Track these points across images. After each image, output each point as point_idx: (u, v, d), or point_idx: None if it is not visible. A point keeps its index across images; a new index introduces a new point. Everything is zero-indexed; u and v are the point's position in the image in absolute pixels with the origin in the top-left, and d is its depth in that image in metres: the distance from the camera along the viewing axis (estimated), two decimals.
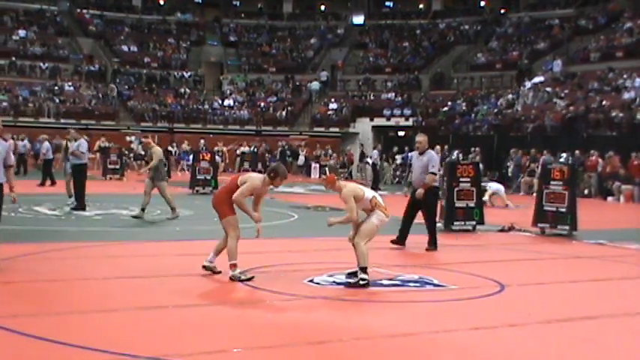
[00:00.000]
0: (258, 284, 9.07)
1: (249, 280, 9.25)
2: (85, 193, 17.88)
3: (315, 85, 51.15)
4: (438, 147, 26.57)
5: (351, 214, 9.36)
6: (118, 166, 32.53)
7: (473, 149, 31.71)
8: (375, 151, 34.31)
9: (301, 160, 42.73)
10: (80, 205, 17.61)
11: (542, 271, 11.30)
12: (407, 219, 13.00)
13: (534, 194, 18.58)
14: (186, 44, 55.62)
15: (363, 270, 9.13)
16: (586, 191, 27.11)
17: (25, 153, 34.54)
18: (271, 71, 53.67)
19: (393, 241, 12.80)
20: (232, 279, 9.26)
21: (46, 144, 27.69)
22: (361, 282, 9.08)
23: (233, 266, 9.34)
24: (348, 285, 9.14)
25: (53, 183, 25.92)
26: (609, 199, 26.41)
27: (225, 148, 39.77)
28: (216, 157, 29.53)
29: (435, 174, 13.00)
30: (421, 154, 13.17)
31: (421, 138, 13.52)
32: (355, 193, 9.45)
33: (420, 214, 13.06)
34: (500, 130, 36.42)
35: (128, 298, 8.25)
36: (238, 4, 62.43)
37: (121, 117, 47.31)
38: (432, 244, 12.73)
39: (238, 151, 39.75)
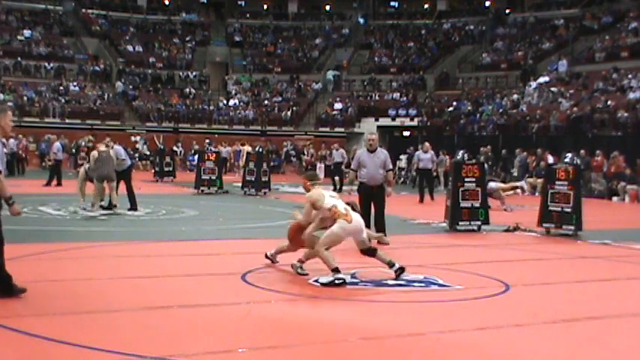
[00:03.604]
0: (262, 284, 9.07)
1: (341, 284, 9.12)
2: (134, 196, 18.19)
3: (329, 75, 51.43)
4: (427, 144, 25.73)
5: (303, 217, 9.86)
6: None
7: (483, 149, 31.70)
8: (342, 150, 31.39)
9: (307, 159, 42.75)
10: (133, 206, 17.93)
11: (548, 271, 11.29)
12: (365, 215, 12.89)
13: (537, 194, 18.59)
14: (191, 44, 55.71)
15: (335, 271, 9.08)
16: (596, 191, 27.07)
17: (17, 152, 33.95)
18: (276, 71, 53.77)
19: None
20: (325, 284, 9.17)
21: (57, 144, 27.65)
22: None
23: (334, 271, 9.23)
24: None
25: (59, 184, 25.96)
26: (614, 199, 26.37)
27: (230, 149, 39.81)
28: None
29: (392, 170, 13.75)
30: (373, 152, 13.18)
31: (374, 136, 13.63)
32: (315, 200, 9.60)
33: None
34: (505, 130, 36.40)
35: (133, 298, 8.25)
36: (243, 4, 62.48)
37: (126, 117, 47.40)
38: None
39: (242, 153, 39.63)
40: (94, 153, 17.74)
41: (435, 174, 32.33)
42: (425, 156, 24.72)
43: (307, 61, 55.00)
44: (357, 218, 9.45)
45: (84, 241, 12.78)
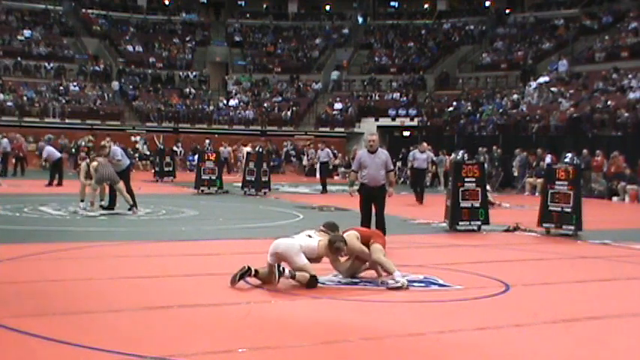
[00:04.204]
0: (262, 284, 9.06)
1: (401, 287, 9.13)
2: (133, 195, 18.18)
3: (334, 76, 51.62)
4: (424, 144, 25.09)
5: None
6: None
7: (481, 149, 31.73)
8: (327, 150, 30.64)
9: (306, 160, 42.73)
10: (133, 204, 17.93)
11: (548, 271, 11.28)
12: (367, 216, 12.92)
13: (537, 194, 18.57)
14: (191, 44, 55.72)
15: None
16: (596, 192, 27.06)
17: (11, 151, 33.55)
18: (276, 71, 53.78)
19: None
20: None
21: (47, 148, 27.55)
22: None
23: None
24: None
25: (60, 183, 25.94)
26: (614, 199, 26.37)
27: (230, 149, 39.82)
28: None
29: (393, 170, 13.63)
30: (373, 152, 13.20)
31: (374, 137, 13.59)
32: None
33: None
34: (505, 130, 36.40)
35: (133, 298, 8.25)
36: (243, 4, 62.51)
37: (126, 117, 47.40)
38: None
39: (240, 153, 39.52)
40: (94, 164, 17.93)
41: (429, 174, 32.47)
42: (421, 156, 23.76)
43: (307, 61, 55.01)
44: (274, 242, 9.24)
45: (84, 241, 12.77)
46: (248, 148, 35.54)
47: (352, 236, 9.56)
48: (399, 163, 35.41)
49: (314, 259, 9.23)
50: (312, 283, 8.89)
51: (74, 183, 23.97)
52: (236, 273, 8.95)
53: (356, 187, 13.53)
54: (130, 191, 18.11)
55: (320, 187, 27.16)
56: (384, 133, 45.66)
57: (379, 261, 9.49)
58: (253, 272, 9.04)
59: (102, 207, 17.90)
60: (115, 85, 49.51)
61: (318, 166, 39.59)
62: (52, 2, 55.11)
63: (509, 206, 21.34)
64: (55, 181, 26.07)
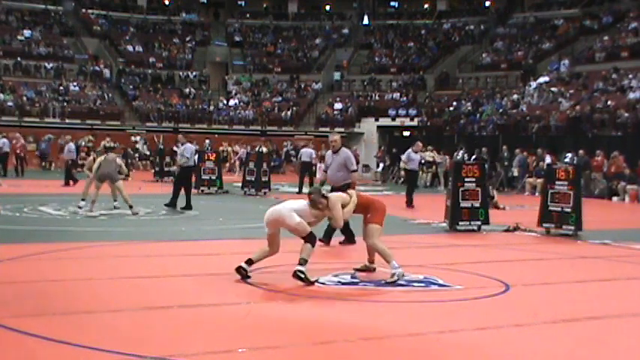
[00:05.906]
0: (263, 284, 9.07)
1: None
2: (178, 195, 18.64)
3: (337, 76, 52.18)
4: (419, 143, 23.60)
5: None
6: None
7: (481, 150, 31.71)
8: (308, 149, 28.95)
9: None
10: (172, 204, 18.51)
11: (548, 271, 11.29)
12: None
13: (537, 194, 18.54)
14: (191, 44, 55.70)
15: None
16: (596, 191, 27.04)
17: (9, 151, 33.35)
18: (276, 71, 53.76)
19: (320, 239, 12.61)
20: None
21: (71, 145, 27.58)
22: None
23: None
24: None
25: (68, 183, 25.83)
26: (614, 199, 26.36)
27: (230, 149, 39.81)
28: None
29: (356, 171, 13.60)
30: (336, 152, 13.20)
31: (336, 137, 13.66)
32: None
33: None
34: (505, 130, 36.38)
35: (133, 298, 8.26)
36: (243, 4, 62.50)
37: (126, 117, 47.38)
38: (350, 239, 12.81)
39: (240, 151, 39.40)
40: (100, 158, 17.99)
41: (429, 174, 32.40)
42: (415, 157, 22.57)
43: (307, 61, 54.99)
44: (268, 211, 9.46)
45: (84, 241, 12.77)
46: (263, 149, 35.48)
47: (337, 197, 9.70)
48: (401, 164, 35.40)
49: (312, 222, 9.41)
50: (312, 241, 9.11)
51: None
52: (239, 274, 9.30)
53: (328, 187, 13.38)
54: (188, 192, 18.65)
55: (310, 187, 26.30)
56: (384, 133, 45.72)
57: (374, 247, 9.70)
58: (249, 268, 9.32)
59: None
60: (107, 72, 49.53)
61: (322, 165, 39.50)
62: (52, 2, 55.09)
63: (508, 208, 21.33)
64: (71, 182, 25.87)
